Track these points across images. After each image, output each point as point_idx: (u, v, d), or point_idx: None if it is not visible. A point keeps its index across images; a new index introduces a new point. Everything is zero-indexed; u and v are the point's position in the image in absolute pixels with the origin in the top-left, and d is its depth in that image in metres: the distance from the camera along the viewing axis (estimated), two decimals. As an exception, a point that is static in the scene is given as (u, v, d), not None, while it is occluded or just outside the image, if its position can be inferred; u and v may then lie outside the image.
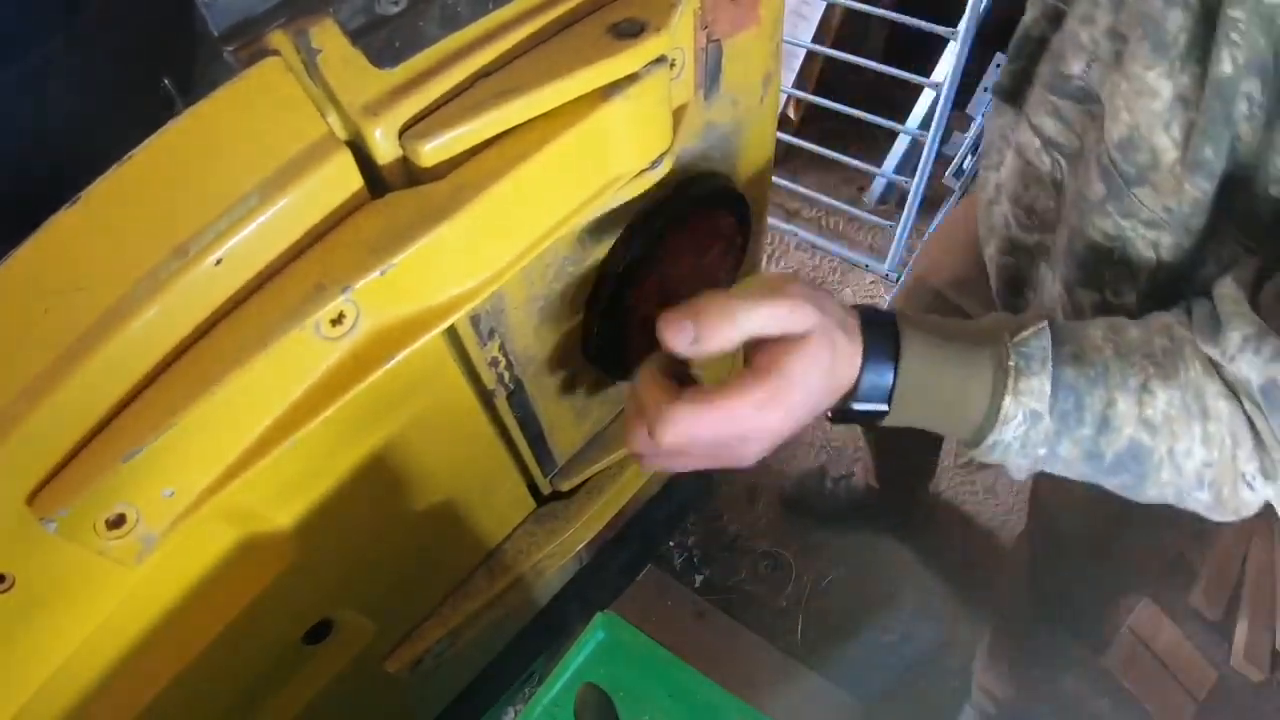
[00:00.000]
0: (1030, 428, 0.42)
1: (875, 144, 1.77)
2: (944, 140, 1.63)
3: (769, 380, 0.38)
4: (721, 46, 0.40)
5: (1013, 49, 0.57)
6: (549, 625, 0.69)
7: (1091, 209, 0.49)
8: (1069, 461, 0.43)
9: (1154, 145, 0.44)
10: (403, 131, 0.30)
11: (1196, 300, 0.43)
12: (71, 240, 0.27)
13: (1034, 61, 0.55)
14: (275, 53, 0.29)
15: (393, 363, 0.31)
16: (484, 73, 0.31)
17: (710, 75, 0.41)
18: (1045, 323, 0.42)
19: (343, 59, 0.29)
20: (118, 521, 0.28)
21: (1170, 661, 1.39)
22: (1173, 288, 0.49)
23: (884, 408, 0.42)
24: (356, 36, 0.29)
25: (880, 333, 0.41)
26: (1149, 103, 0.43)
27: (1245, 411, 0.40)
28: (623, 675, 0.59)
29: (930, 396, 0.42)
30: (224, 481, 0.30)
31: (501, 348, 0.42)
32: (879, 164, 1.73)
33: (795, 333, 0.38)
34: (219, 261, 0.27)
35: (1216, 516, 0.44)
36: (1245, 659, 1.37)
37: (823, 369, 0.39)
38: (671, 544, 1.49)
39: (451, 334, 0.39)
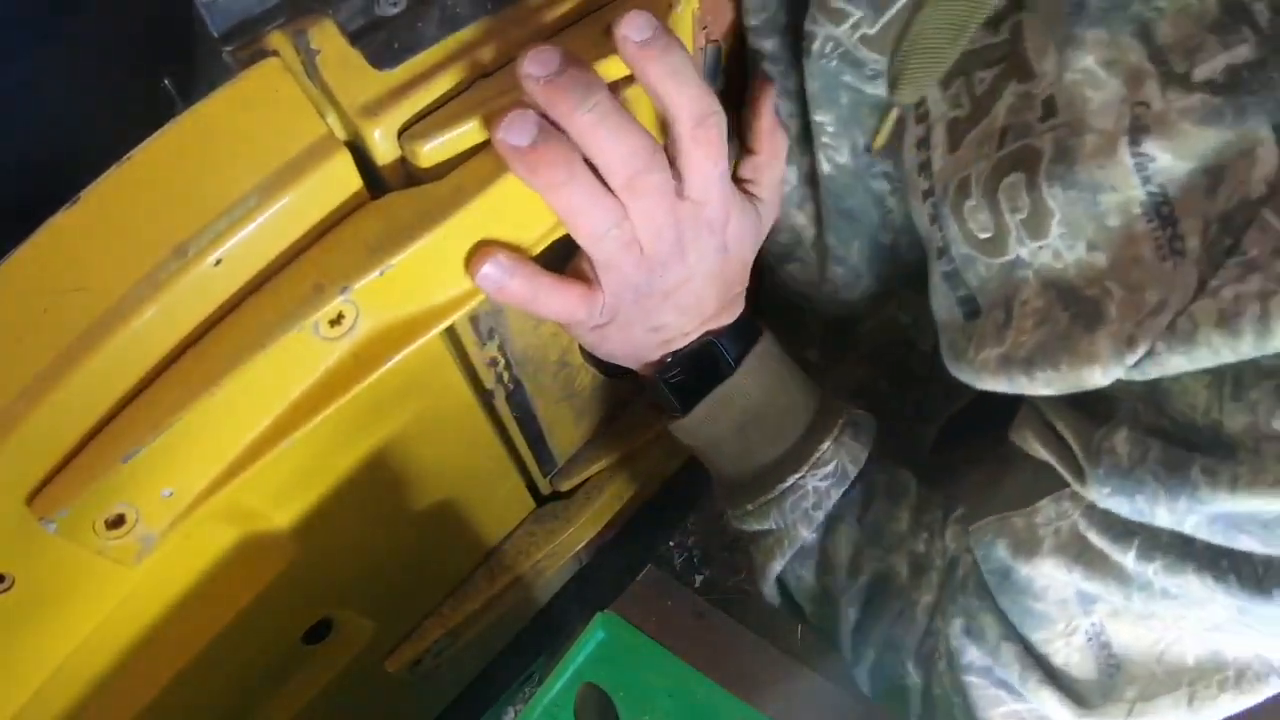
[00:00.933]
0: (833, 486, 0.41)
1: (875, 144, 1.77)
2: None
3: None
4: (720, 47, 0.40)
5: None
6: (549, 625, 0.69)
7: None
8: (831, 557, 0.42)
9: (793, 224, 0.44)
10: (402, 132, 0.30)
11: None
12: (71, 240, 0.27)
13: None
14: (274, 53, 0.29)
15: (392, 363, 0.31)
16: (483, 73, 0.31)
17: (709, 76, 0.41)
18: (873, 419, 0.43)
19: (342, 60, 0.29)
20: (117, 522, 0.28)
21: (1170, 661, 1.39)
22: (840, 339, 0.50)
23: (732, 362, 0.40)
24: (356, 37, 0.29)
25: (750, 319, 0.41)
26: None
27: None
28: (623, 675, 0.59)
29: (762, 394, 0.41)
30: (223, 482, 0.30)
31: (501, 348, 0.42)
32: (879, 164, 1.73)
33: None
34: (218, 262, 0.27)
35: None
36: (1245, 659, 1.37)
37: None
38: (671, 544, 1.49)
39: (450, 334, 0.39)
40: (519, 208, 0.32)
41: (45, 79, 0.49)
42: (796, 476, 0.40)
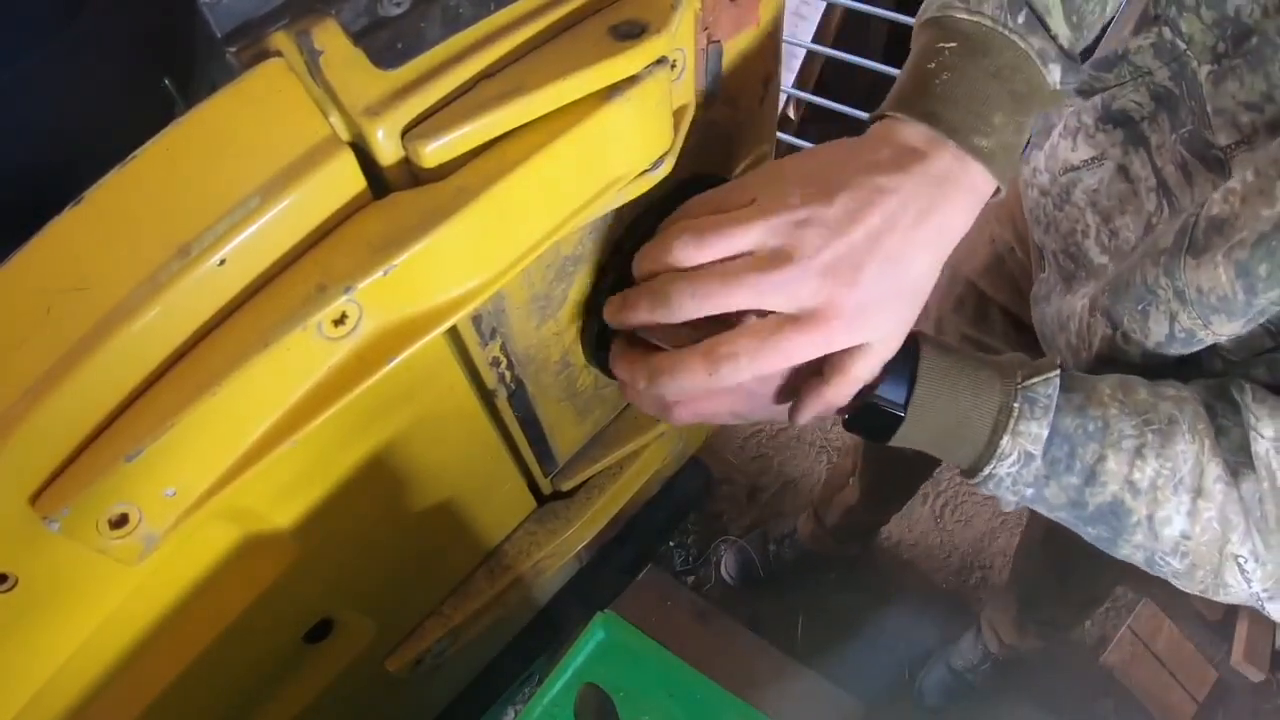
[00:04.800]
0: (1023, 467, 0.42)
1: (875, 144, 1.77)
2: (944, 140, 1.62)
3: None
4: (722, 47, 0.41)
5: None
6: (549, 625, 0.69)
7: (1147, 254, 0.49)
8: (1053, 504, 0.44)
9: None
10: (405, 132, 0.30)
11: (1235, 381, 0.44)
12: (74, 240, 0.27)
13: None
14: (278, 54, 0.29)
15: (395, 363, 0.31)
16: (486, 74, 0.31)
17: (711, 76, 0.41)
18: (1057, 371, 0.43)
19: (345, 60, 0.29)
20: (120, 521, 0.28)
21: (1170, 661, 1.39)
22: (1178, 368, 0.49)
23: (901, 413, 0.42)
24: (359, 38, 0.29)
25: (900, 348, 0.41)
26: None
27: (1241, 496, 0.41)
28: (623, 675, 0.59)
29: (939, 418, 0.42)
30: (226, 481, 0.30)
31: (503, 348, 0.42)
32: (879, 164, 1.73)
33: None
34: (222, 262, 0.27)
35: (1184, 586, 0.45)
36: (1245, 659, 1.37)
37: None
38: (671, 544, 1.49)
39: (453, 334, 0.39)
40: (522, 208, 0.32)
41: (47, 80, 0.49)
42: (989, 469, 0.43)
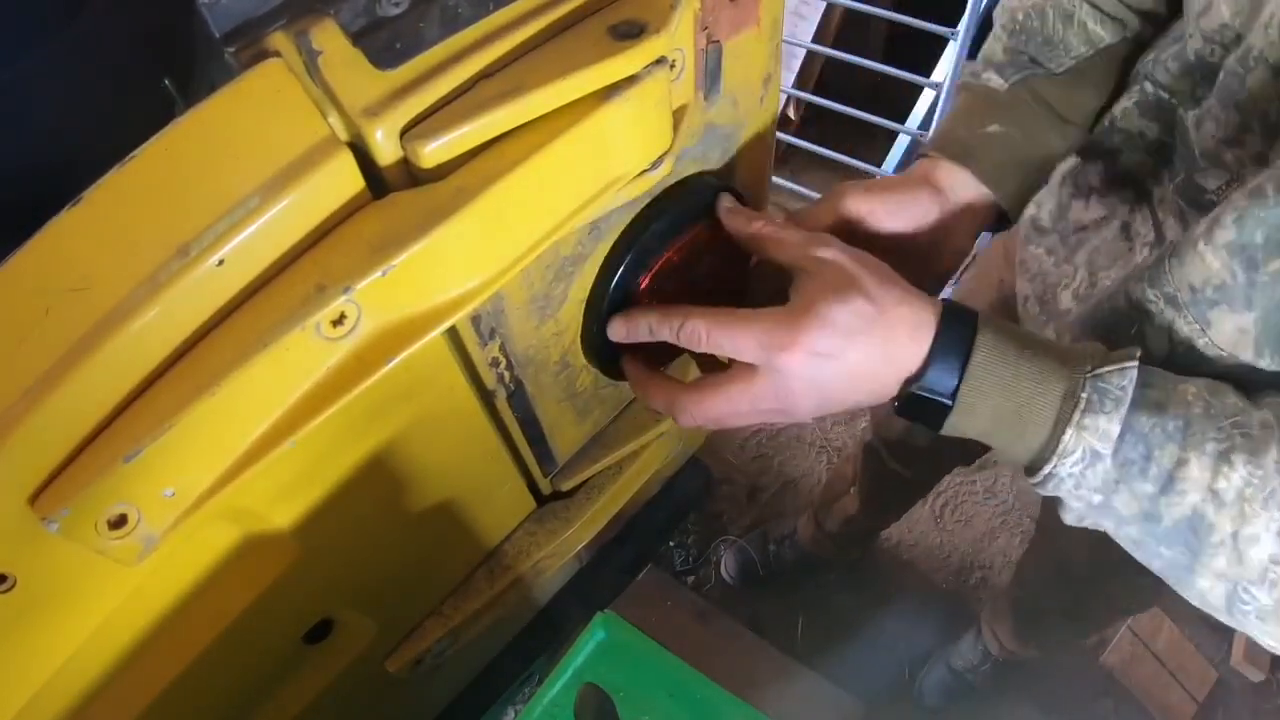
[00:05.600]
0: (1088, 467, 0.38)
1: (875, 144, 1.77)
2: (944, 140, 1.62)
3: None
4: (721, 47, 0.40)
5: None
6: (549, 625, 0.69)
7: (1128, 279, 0.47)
8: (1123, 517, 0.39)
9: None
10: (404, 133, 0.30)
11: None
12: (73, 241, 0.27)
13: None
14: (276, 54, 0.29)
15: (394, 363, 0.31)
16: (485, 74, 0.31)
17: (710, 76, 0.41)
18: (1135, 362, 0.39)
19: (344, 60, 0.29)
20: (119, 521, 0.28)
21: (1170, 661, 1.39)
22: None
23: (948, 401, 0.39)
24: (358, 38, 0.29)
25: (957, 323, 0.39)
26: None
27: None
28: (623, 675, 0.59)
29: (994, 406, 0.39)
30: (225, 482, 0.30)
31: (502, 348, 0.42)
32: (879, 164, 1.73)
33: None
34: (221, 262, 0.27)
35: (1270, 635, 0.39)
36: (1245, 659, 1.38)
37: (869, 336, 0.38)
38: (671, 544, 1.49)
39: (452, 334, 0.39)
40: (521, 208, 0.32)
41: (47, 80, 0.49)
42: (1050, 467, 0.39)
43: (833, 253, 0.41)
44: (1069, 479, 0.39)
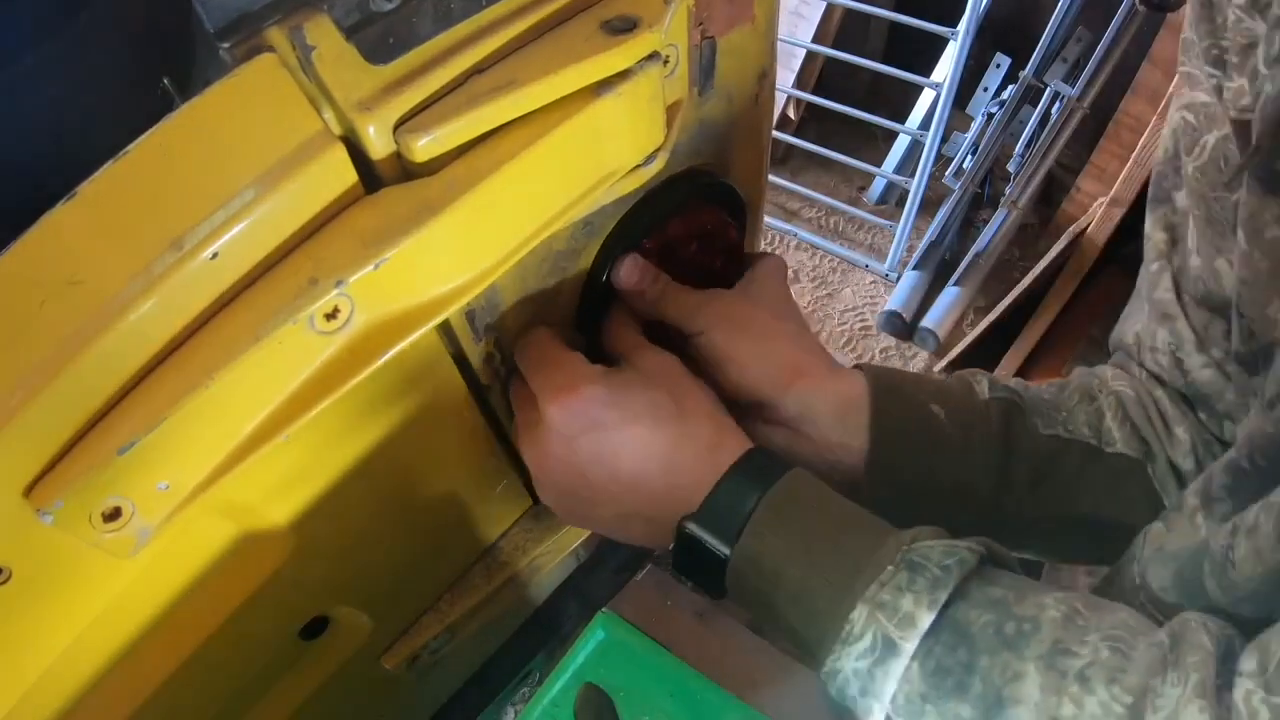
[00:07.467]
0: (877, 665, 0.29)
1: (875, 144, 1.77)
2: (944, 140, 1.63)
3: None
4: (715, 43, 0.41)
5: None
6: (547, 623, 0.69)
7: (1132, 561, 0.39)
8: None
9: None
10: (397, 127, 0.30)
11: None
12: (68, 235, 0.27)
13: None
14: (270, 49, 0.29)
15: (387, 357, 0.31)
16: (477, 69, 0.31)
17: (704, 72, 0.41)
18: (974, 543, 0.30)
19: (337, 55, 0.29)
20: (113, 514, 0.28)
21: None
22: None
23: (725, 551, 0.32)
24: (351, 33, 0.29)
25: (763, 458, 0.34)
26: None
27: None
28: (623, 675, 0.59)
29: (779, 564, 0.31)
30: (219, 475, 0.30)
31: (496, 342, 0.42)
32: (879, 164, 1.73)
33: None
34: (214, 256, 0.28)
35: None
36: (1246, 659, 1.37)
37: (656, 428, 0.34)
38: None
39: (446, 329, 0.39)
40: (514, 203, 0.32)
41: (45, 78, 0.49)
42: (832, 659, 0.30)
43: (669, 361, 0.39)
44: (854, 679, 0.29)
